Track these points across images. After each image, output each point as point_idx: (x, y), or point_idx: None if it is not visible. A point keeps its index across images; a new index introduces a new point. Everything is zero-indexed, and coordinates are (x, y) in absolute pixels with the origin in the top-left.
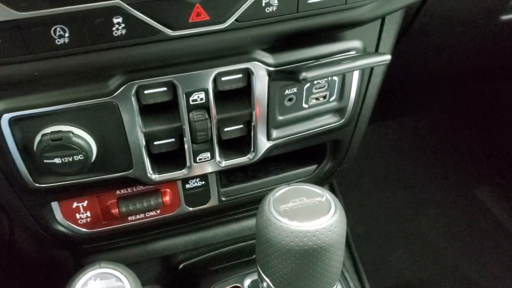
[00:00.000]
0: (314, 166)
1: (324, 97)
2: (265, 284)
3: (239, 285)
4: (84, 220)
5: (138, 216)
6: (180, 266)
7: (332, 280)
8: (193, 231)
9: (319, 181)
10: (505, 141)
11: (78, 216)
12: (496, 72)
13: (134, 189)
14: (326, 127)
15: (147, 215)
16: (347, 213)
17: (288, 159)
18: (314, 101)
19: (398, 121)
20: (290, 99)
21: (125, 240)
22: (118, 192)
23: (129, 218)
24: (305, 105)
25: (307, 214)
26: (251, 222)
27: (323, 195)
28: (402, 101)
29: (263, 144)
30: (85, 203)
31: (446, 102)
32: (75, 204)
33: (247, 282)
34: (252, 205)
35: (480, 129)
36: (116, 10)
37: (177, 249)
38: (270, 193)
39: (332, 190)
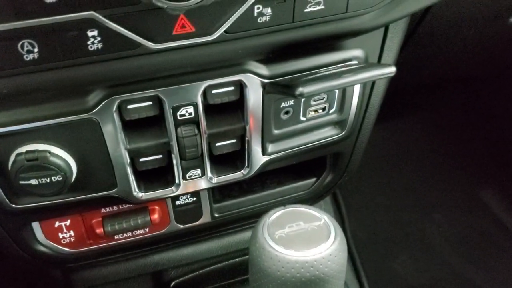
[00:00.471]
0: (313, 180)
1: (323, 109)
2: None
3: None
4: (68, 240)
5: (125, 235)
6: (172, 284)
7: None
8: (186, 245)
9: (318, 195)
10: (509, 142)
11: (61, 235)
12: (502, 75)
13: (120, 207)
14: (325, 140)
15: (134, 234)
16: (349, 217)
17: (286, 172)
18: (313, 113)
19: (400, 122)
20: (286, 112)
21: (114, 258)
22: (103, 210)
23: (116, 237)
24: (302, 118)
25: (304, 242)
26: (248, 234)
27: (321, 218)
28: (405, 102)
29: (258, 159)
30: (68, 222)
31: (449, 104)
32: (57, 224)
33: None
34: (248, 219)
35: (484, 131)
36: (90, 23)
37: (169, 265)
38: (264, 216)
39: (333, 194)
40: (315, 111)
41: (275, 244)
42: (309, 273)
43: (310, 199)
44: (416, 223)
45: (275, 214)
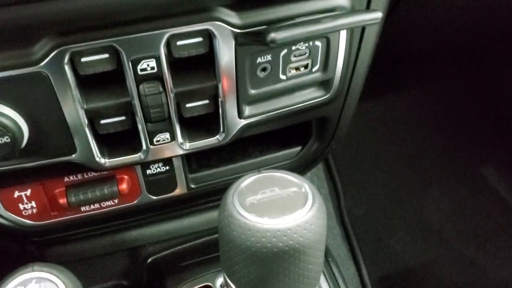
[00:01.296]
0: (298, 148)
1: (306, 66)
2: None
3: (211, 284)
4: (29, 211)
5: (92, 207)
6: (149, 260)
7: (310, 286)
8: (163, 221)
9: (304, 165)
10: None
11: (21, 206)
12: (504, 43)
13: (85, 176)
14: (309, 102)
15: (103, 205)
16: (345, 194)
17: (269, 140)
18: (294, 71)
19: (398, 96)
20: (264, 69)
21: (85, 232)
22: (66, 179)
23: (82, 208)
24: (282, 76)
25: (278, 209)
26: None
27: (299, 184)
28: (401, 75)
29: (235, 123)
30: (28, 192)
31: (450, 75)
32: (16, 194)
33: (220, 281)
34: None
35: (487, 104)
36: None
37: (147, 240)
38: (236, 182)
39: (328, 169)
40: (297, 68)
41: (245, 211)
42: (281, 242)
43: (296, 169)
44: (414, 200)
45: (248, 180)
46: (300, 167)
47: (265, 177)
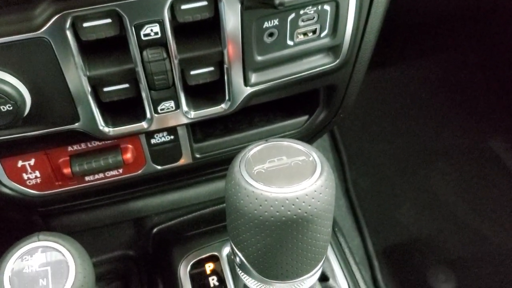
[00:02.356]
0: (305, 117)
1: (314, 31)
2: (238, 259)
3: (217, 253)
4: (34, 181)
5: (97, 176)
6: (154, 230)
7: (318, 255)
8: (168, 191)
9: (311, 134)
10: None
11: (25, 176)
12: None
13: (89, 145)
14: (317, 69)
15: (107, 175)
16: (350, 165)
17: (275, 109)
18: (302, 37)
19: (405, 65)
20: (270, 34)
21: (91, 202)
22: (70, 148)
23: (86, 178)
24: (290, 42)
25: (286, 178)
26: None
27: (307, 153)
28: (411, 42)
29: (241, 91)
30: (32, 162)
31: (459, 44)
32: (20, 163)
33: (226, 250)
34: None
35: (497, 74)
36: None
37: (152, 211)
38: (242, 151)
39: (333, 140)
40: (305, 34)
41: (253, 180)
42: (290, 211)
43: (302, 139)
44: (420, 172)
45: (255, 149)
46: (306, 137)
47: (272, 146)
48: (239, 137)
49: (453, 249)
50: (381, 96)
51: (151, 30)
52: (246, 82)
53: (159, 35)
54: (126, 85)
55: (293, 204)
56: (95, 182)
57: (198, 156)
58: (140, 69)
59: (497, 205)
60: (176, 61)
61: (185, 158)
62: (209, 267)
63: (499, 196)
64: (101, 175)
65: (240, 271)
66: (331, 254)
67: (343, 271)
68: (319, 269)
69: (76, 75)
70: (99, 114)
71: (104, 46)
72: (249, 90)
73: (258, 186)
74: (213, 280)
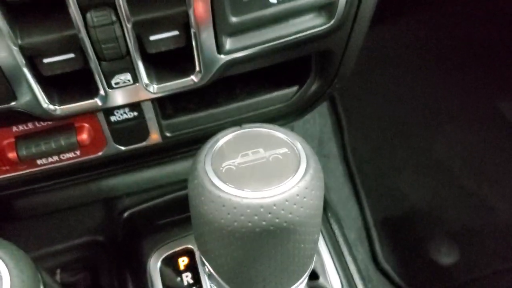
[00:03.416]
0: (295, 88)
1: None
2: (206, 269)
3: (192, 247)
4: None
5: (50, 159)
6: (125, 215)
7: (302, 266)
8: (141, 168)
9: (302, 108)
10: None
11: None
12: None
13: (38, 125)
14: (307, 32)
15: (62, 158)
16: (349, 130)
17: (260, 79)
18: None
19: (408, 22)
20: None
21: (47, 186)
22: (15, 129)
23: (38, 162)
24: (272, 0)
25: (262, 177)
26: None
27: (290, 144)
28: None
29: (214, 60)
30: None
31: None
32: None
33: None
34: None
35: (507, 32)
36: None
37: (122, 190)
38: (209, 140)
39: (332, 103)
40: None
41: (220, 181)
42: (265, 221)
43: (292, 113)
44: (424, 136)
45: (225, 138)
46: (297, 111)
47: (247, 134)
48: (217, 112)
49: (456, 219)
50: (382, 56)
51: None
52: (220, 49)
53: None
54: (71, 55)
55: (270, 213)
56: (49, 166)
57: (168, 134)
58: (84, 35)
59: (505, 172)
60: (129, 25)
61: (153, 137)
62: (182, 262)
63: (507, 162)
64: (55, 158)
65: (211, 283)
66: (322, 247)
67: (335, 266)
68: (305, 278)
69: (5, 45)
70: (40, 90)
71: (40, 8)
72: (224, 58)
73: (226, 189)
74: (187, 278)
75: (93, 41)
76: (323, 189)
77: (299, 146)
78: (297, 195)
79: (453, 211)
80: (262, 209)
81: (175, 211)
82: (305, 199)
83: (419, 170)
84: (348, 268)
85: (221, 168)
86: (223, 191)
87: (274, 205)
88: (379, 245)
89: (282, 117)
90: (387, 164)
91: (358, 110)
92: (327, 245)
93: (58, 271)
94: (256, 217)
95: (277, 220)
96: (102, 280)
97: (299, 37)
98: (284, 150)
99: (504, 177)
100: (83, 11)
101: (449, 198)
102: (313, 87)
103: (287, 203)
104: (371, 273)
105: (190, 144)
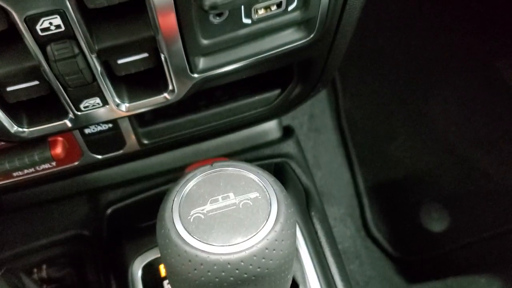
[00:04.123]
0: (277, 92)
1: (279, 5)
2: None
3: None
4: None
5: (26, 171)
6: (108, 211)
7: None
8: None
9: (284, 110)
10: None
11: None
12: None
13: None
14: (286, 47)
15: (38, 169)
16: (344, 94)
17: (241, 83)
18: (262, 12)
19: None
20: (218, 14)
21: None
22: None
23: (14, 174)
24: (246, 20)
25: (231, 227)
26: (210, 144)
27: (262, 187)
28: None
29: (187, 79)
30: None
31: None
32: None
33: None
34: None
35: None
36: None
37: (107, 181)
38: (177, 182)
39: None
40: (267, 8)
41: (186, 233)
42: (233, 277)
43: (273, 116)
44: (420, 100)
45: (194, 180)
46: (279, 113)
47: (218, 176)
48: (198, 118)
49: (448, 185)
50: (377, 17)
51: (50, 24)
52: (193, 69)
53: (63, 29)
54: (35, 82)
55: (237, 269)
56: (26, 177)
57: (146, 142)
58: (46, 68)
59: (501, 137)
60: (93, 55)
61: (130, 145)
62: (164, 268)
63: (504, 127)
64: (31, 169)
65: None
66: (303, 251)
67: (316, 273)
68: None
69: None
70: (6, 116)
71: (0, 37)
72: (198, 77)
73: (193, 242)
74: (168, 285)
75: (57, 75)
76: (295, 235)
77: (271, 189)
78: (266, 249)
79: (446, 177)
80: (229, 266)
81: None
82: (274, 252)
83: (413, 135)
84: (330, 271)
85: (189, 217)
86: (190, 245)
87: (242, 261)
88: (370, 213)
89: (262, 120)
90: (381, 131)
91: (353, 73)
92: (308, 249)
93: (44, 267)
94: (223, 273)
95: (245, 275)
96: (89, 276)
97: (278, 52)
98: (255, 194)
99: (500, 143)
100: (42, 44)
101: (443, 164)
102: (296, 91)
103: (255, 258)
104: (359, 248)
105: (170, 148)
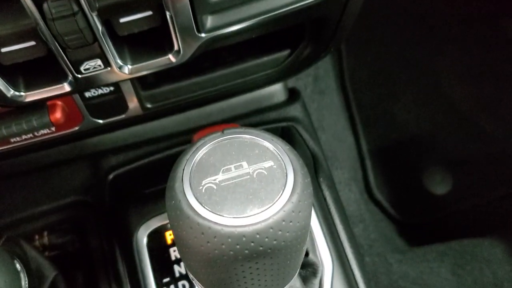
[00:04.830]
0: (287, 52)
1: None
2: (191, 277)
3: None
4: None
5: (24, 137)
6: (110, 177)
7: (289, 277)
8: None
9: (293, 71)
10: None
11: None
12: None
13: None
14: (298, 5)
15: (37, 134)
16: (348, 53)
17: (249, 43)
18: None
19: None
20: None
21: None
22: None
23: (12, 140)
24: None
25: (245, 197)
26: (219, 106)
27: (276, 155)
28: None
29: (194, 39)
30: None
31: None
32: None
33: None
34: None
35: None
36: None
37: (105, 146)
38: (188, 149)
39: None
40: None
41: (198, 204)
42: (248, 250)
43: (282, 78)
44: (425, 60)
45: (206, 148)
46: (288, 75)
47: (230, 143)
48: (203, 80)
49: (452, 148)
50: None
51: None
52: (200, 28)
53: None
54: (32, 43)
55: (252, 242)
56: (25, 142)
57: (149, 106)
58: (43, 27)
59: (507, 98)
60: (94, 14)
61: (132, 109)
62: (170, 235)
63: (510, 88)
64: (29, 135)
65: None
66: (312, 218)
67: (326, 240)
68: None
69: None
70: (1, 79)
71: None
72: (205, 37)
73: (206, 214)
74: (175, 252)
75: (54, 35)
76: (311, 206)
77: (286, 157)
78: (283, 220)
79: (450, 138)
80: (244, 238)
81: (163, 177)
82: (291, 223)
83: (418, 96)
84: (341, 241)
85: (200, 187)
86: (203, 217)
87: (257, 234)
88: (373, 176)
89: (270, 82)
90: (385, 91)
91: (357, 33)
92: (317, 216)
93: (46, 233)
94: (238, 246)
95: (261, 248)
96: (92, 242)
97: (290, 9)
98: (269, 163)
99: (503, 103)
100: (38, 1)
101: (447, 126)
102: (306, 52)
103: (271, 230)
104: (363, 212)
105: (174, 112)
